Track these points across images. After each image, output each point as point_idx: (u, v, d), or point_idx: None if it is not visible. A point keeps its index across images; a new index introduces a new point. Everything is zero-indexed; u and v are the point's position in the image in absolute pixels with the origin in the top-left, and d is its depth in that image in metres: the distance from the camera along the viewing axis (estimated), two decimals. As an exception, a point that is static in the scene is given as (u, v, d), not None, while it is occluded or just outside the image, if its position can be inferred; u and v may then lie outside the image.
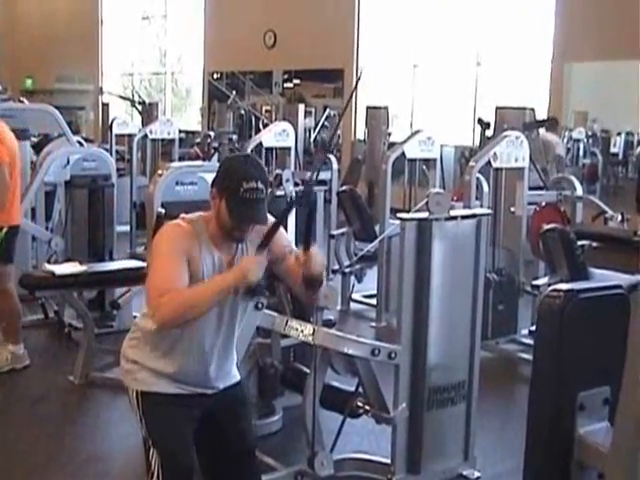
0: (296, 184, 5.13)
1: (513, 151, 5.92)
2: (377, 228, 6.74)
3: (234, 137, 11.30)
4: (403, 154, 6.69)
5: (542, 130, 8.90)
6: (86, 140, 10.22)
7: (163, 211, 4.31)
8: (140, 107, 13.28)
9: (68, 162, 6.66)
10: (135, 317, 5.83)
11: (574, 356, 1.97)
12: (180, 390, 2.72)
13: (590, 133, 10.81)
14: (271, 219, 2.70)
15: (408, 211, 4.21)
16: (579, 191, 6.64)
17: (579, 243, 5.42)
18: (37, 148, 7.76)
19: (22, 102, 11.52)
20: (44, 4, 20.01)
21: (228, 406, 2.81)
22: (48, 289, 5.35)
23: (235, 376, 2.87)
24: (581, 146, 10.68)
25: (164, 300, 2.50)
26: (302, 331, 3.52)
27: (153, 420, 2.70)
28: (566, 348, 1.97)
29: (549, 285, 5.32)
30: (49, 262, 6.09)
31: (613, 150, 10.77)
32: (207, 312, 2.58)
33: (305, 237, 2.70)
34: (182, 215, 2.71)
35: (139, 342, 2.76)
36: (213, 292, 2.55)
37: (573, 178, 6.91)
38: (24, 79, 19.11)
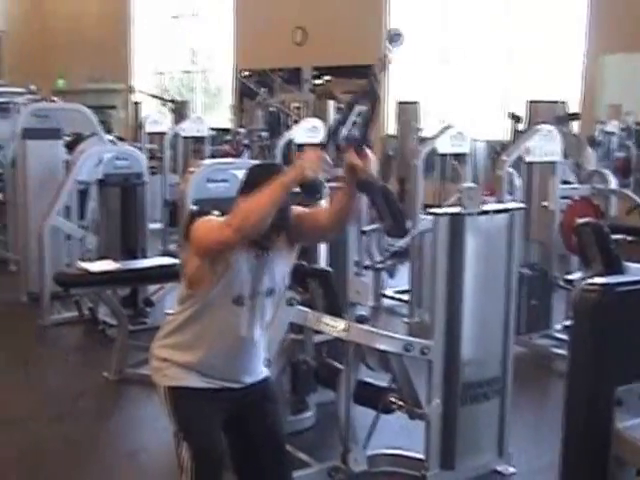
0: (328, 180, 5.11)
1: (545, 145, 5.87)
2: (409, 224, 6.71)
3: (264, 134, 11.31)
4: (434, 149, 6.67)
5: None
6: (118, 139, 10.28)
7: (195, 208, 4.33)
8: (171, 105, 13.34)
9: (101, 161, 6.71)
10: (168, 314, 5.91)
11: (611, 350, 1.95)
12: (208, 384, 2.74)
13: (624, 126, 10.68)
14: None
15: (440, 206, 4.20)
16: (613, 184, 6.57)
17: (613, 237, 5.36)
18: (70, 147, 7.82)
19: (55, 102, 11.62)
20: (74, 4, 20.16)
21: (256, 402, 2.82)
22: (82, 286, 5.39)
23: (263, 372, 2.88)
24: (615, 139, 10.55)
25: (229, 222, 2.51)
26: (335, 327, 3.52)
27: (183, 414, 2.73)
28: (603, 342, 1.95)
29: (583, 279, 5.28)
30: (83, 260, 6.14)
31: (647, 143, 10.64)
32: (273, 214, 2.50)
33: (360, 139, 2.62)
34: (214, 212, 2.72)
35: (167, 338, 2.80)
36: (275, 190, 2.48)
37: (607, 171, 6.84)
38: (56, 79, 19.24)
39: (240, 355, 2.74)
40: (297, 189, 2.55)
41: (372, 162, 2.57)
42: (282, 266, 2.75)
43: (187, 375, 2.73)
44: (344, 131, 2.66)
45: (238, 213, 2.51)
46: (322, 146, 2.55)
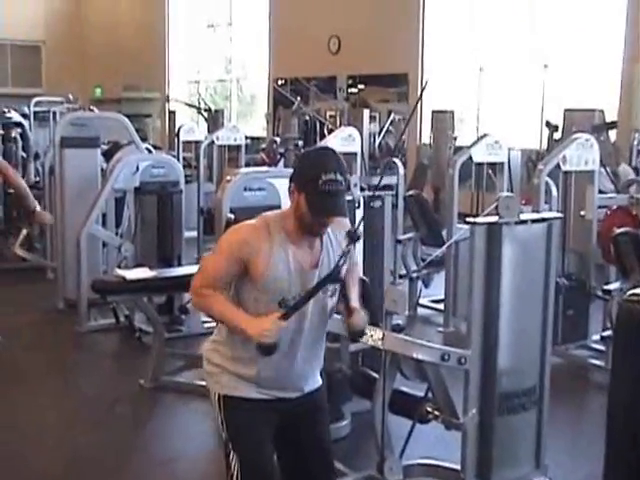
0: (362, 189, 5.13)
1: (583, 154, 5.83)
2: (444, 233, 6.69)
3: (300, 143, 11.34)
4: (470, 158, 6.63)
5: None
6: (154, 147, 10.37)
7: (232, 217, 4.35)
8: (206, 114, 13.42)
9: (137, 169, 6.77)
10: (203, 322, 5.94)
11: (654, 362, 1.93)
12: (261, 395, 2.70)
13: (662, 134, 10.55)
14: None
15: (475, 216, 4.17)
16: (651, 194, 6.50)
17: (652, 247, 5.31)
18: (107, 156, 7.90)
19: (92, 111, 11.76)
20: (111, 15, 20.39)
21: (307, 411, 2.79)
22: (119, 294, 5.43)
23: (318, 381, 2.85)
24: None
25: (202, 293, 2.66)
26: (371, 336, 3.51)
27: (234, 425, 2.70)
28: (645, 354, 1.92)
29: (621, 290, 5.24)
30: (119, 267, 6.19)
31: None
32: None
33: (345, 301, 2.79)
34: (263, 213, 2.70)
35: (220, 345, 2.75)
36: (234, 326, 2.63)
37: (645, 181, 6.78)
38: (93, 88, 19.48)
39: (293, 363, 2.69)
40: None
41: (360, 317, 2.80)
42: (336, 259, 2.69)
43: (241, 385, 2.69)
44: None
45: (205, 303, 2.67)
46: (284, 315, 2.57)
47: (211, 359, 2.76)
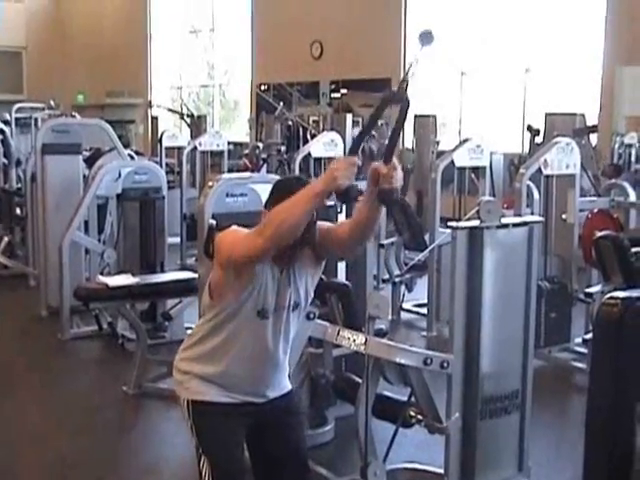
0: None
1: (564, 158, 5.86)
2: (427, 237, 6.71)
3: (282, 148, 11.34)
4: (452, 162, 6.65)
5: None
6: (136, 153, 10.34)
7: (214, 222, 4.34)
8: (189, 120, 13.41)
9: (120, 175, 6.75)
10: (187, 328, 5.93)
11: (632, 365, 1.94)
12: (230, 399, 2.72)
13: (643, 138, 10.62)
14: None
15: (458, 220, 4.20)
16: (632, 197, 6.54)
17: (633, 250, 5.33)
18: (89, 162, 7.87)
19: (74, 117, 11.71)
20: (93, 21, 20.34)
21: (279, 416, 2.81)
22: (102, 301, 5.41)
23: (286, 386, 2.86)
24: (633, 152, 10.50)
25: (260, 230, 2.47)
26: (354, 341, 3.52)
27: (204, 429, 2.72)
28: (624, 357, 1.93)
29: (603, 293, 5.26)
30: (102, 274, 6.17)
31: (666, 155, 10.57)
32: (305, 223, 2.48)
33: (388, 148, 2.54)
34: (234, 226, 2.71)
35: (189, 351, 2.78)
36: (308, 199, 2.44)
37: (626, 184, 6.81)
38: (75, 94, 19.41)
39: (263, 368, 2.73)
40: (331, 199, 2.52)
41: (398, 173, 2.48)
42: (307, 280, 2.73)
43: (208, 389, 2.72)
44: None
45: (270, 222, 2.46)
46: (352, 152, 2.49)
47: (180, 368, 2.80)
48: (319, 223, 2.67)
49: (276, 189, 2.68)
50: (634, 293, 2.00)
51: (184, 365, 2.79)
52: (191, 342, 2.79)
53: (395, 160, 2.49)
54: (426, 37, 2.56)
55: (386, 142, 2.55)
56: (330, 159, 7.60)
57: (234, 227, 2.68)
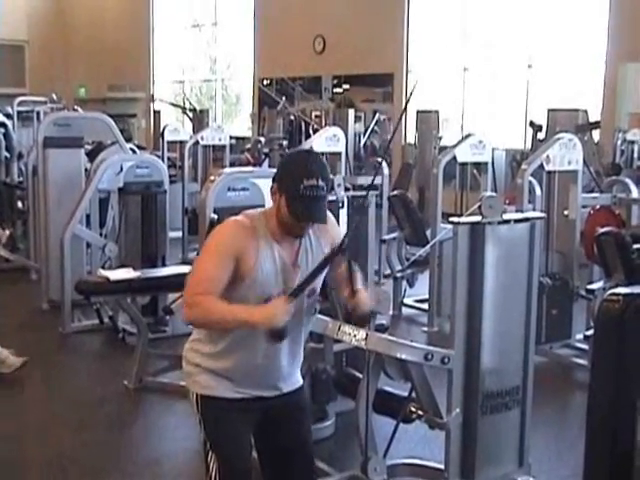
0: (347, 189, 5.14)
1: (566, 154, 5.84)
2: (428, 232, 6.71)
3: (284, 143, 11.34)
4: (454, 158, 6.65)
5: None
6: (138, 147, 10.34)
7: (215, 217, 4.34)
8: (191, 114, 13.41)
9: (121, 169, 6.75)
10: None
11: (634, 361, 1.93)
12: (239, 395, 2.70)
13: (645, 135, 10.62)
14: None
15: (460, 215, 4.18)
16: (634, 193, 6.53)
17: (634, 246, 5.33)
18: (91, 156, 7.87)
19: (76, 111, 11.71)
20: (95, 14, 20.33)
21: (288, 411, 2.79)
22: (103, 294, 5.41)
23: (298, 381, 2.84)
24: (636, 148, 10.50)
25: (197, 301, 2.55)
26: (355, 336, 3.51)
27: (212, 424, 2.70)
28: (625, 353, 1.93)
29: (604, 289, 5.26)
30: (103, 268, 6.17)
31: (669, 152, 10.57)
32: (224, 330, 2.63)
33: (349, 279, 2.68)
34: (245, 211, 2.69)
35: (199, 344, 2.74)
36: (238, 321, 2.55)
37: (628, 180, 6.80)
38: (77, 88, 19.41)
39: (275, 361, 2.69)
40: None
41: (364, 299, 2.70)
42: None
43: (218, 384, 2.69)
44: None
45: (201, 309, 2.55)
46: (294, 294, 2.56)
47: (190, 359, 2.77)
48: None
49: (286, 162, 2.67)
50: (636, 289, 2.00)
51: (194, 356, 2.74)
52: (200, 336, 2.75)
53: (359, 290, 2.69)
54: None
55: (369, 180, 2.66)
56: (333, 154, 7.61)
57: (232, 218, 2.66)
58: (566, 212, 6.03)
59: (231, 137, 10.48)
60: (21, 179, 9.28)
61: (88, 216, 6.78)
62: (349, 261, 2.70)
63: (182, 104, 15.37)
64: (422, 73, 13.53)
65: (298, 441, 2.81)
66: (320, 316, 3.73)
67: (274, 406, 2.75)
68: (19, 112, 12.28)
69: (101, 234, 6.93)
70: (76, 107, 13.12)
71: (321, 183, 2.54)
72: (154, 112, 17.70)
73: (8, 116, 11.34)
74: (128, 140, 9.89)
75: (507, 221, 3.69)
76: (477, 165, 7.11)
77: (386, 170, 7.86)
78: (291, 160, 2.68)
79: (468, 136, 6.90)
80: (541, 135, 8.70)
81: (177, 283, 5.53)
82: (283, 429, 2.79)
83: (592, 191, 7.04)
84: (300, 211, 2.54)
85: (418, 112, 11.81)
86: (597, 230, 5.50)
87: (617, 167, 9.58)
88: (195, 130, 11.73)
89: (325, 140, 7.60)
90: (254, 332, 2.60)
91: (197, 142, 9.66)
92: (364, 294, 2.70)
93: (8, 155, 9.66)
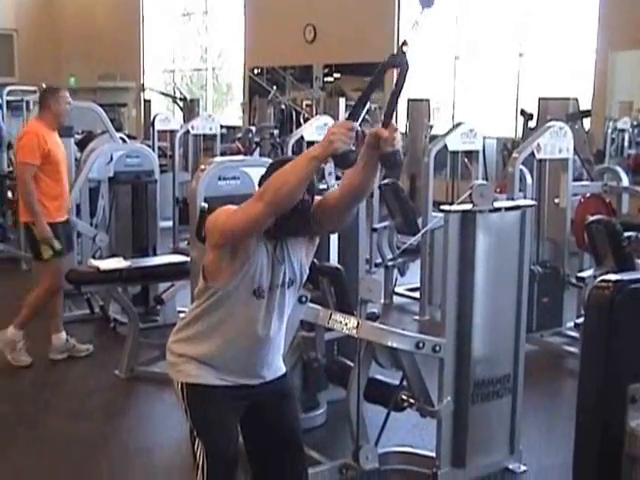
0: (337, 177, 5.13)
1: (557, 142, 5.85)
2: (419, 221, 6.71)
3: (275, 132, 11.32)
4: (445, 146, 6.64)
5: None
6: (129, 137, 10.30)
7: (206, 206, 4.32)
8: (181, 103, 13.37)
9: (112, 159, 6.72)
10: (179, 312, 5.93)
11: (624, 348, 1.93)
12: (224, 382, 2.71)
13: (635, 123, 10.64)
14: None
15: (451, 204, 4.19)
16: (625, 182, 6.55)
17: (625, 234, 5.34)
18: (81, 145, 7.84)
19: (66, 100, 11.62)
20: (85, 3, 20.22)
21: (273, 398, 2.80)
22: (93, 284, 5.41)
23: (281, 368, 2.85)
24: (626, 136, 10.52)
25: (263, 193, 2.45)
26: (346, 324, 3.52)
27: (198, 412, 2.71)
28: (615, 339, 1.93)
29: (595, 277, 5.27)
30: (94, 258, 6.15)
31: (659, 140, 10.60)
32: (304, 188, 2.45)
33: (388, 112, 2.48)
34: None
35: (181, 332, 2.76)
36: (306, 164, 2.40)
37: (618, 168, 6.82)
38: (68, 78, 19.31)
39: (258, 349, 2.70)
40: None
41: (399, 135, 2.45)
42: (302, 256, 2.71)
43: (203, 372, 2.70)
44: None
45: (269, 187, 2.44)
46: (350, 117, 2.44)
47: (173, 350, 2.78)
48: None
49: (272, 169, 2.63)
50: (626, 276, 2.00)
51: (178, 347, 2.77)
52: (184, 323, 2.77)
53: (394, 123, 2.46)
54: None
55: (384, 107, 2.52)
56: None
57: (222, 207, 2.65)
58: (557, 200, 6.04)
59: (222, 126, 10.46)
60: (11, 169, 9.23)
61: (78, 206, 6.74)
62: (393, 92, 2.50)
63: (173, 93, 15.32)
64: (413, 61, 13.50)
65: (285, 428, 2.81)
66: (311, 305, 3.73)
67: (259, 394, 2.76)
68: (8, 101, 12.20)
69: (91, 224, 6.89)
70: (66, 96, 13.04)
71: (306, 196, 2.54)
72: (144, 101, 17.63)
73: (-3, 106, 11.28)
74: (118, 129, 9.87)
75: (498, 209, 3.70)
76: (468, 154, 7.10)
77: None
78: (278, 167, 2.57)
79: (459, 125, 6.90)
80: (532, 123, 8.70)
81: (168, 273, 5.59)
82: (269, 417, 2.79)
83: (581, 179, 7.06)
84: (282, 222, 2.54)
85: (409, 100, 11.79)
86: (587, 218, 5.52)
87: (600, 154, 9.65)
88: (186, 119, 11.70)
89: (316, 129, 7.59)
90: (232, 313, 2.62)
91: (188, 131, 9.64)
92: (398, 132, 2.46)
93: (-3, 145, 9.61)
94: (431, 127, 11.27)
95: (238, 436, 2.76)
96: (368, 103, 2.51)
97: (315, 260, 3.05)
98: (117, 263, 5.35)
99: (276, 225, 2.56)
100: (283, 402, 2.83)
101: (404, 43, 2.45)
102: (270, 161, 3.02)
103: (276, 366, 2.82)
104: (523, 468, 3.93)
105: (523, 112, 9.19)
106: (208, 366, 2.70)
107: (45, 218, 5.28)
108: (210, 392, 2.71)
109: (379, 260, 7.31)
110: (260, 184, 2.62)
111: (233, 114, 17.34)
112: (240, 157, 7.99)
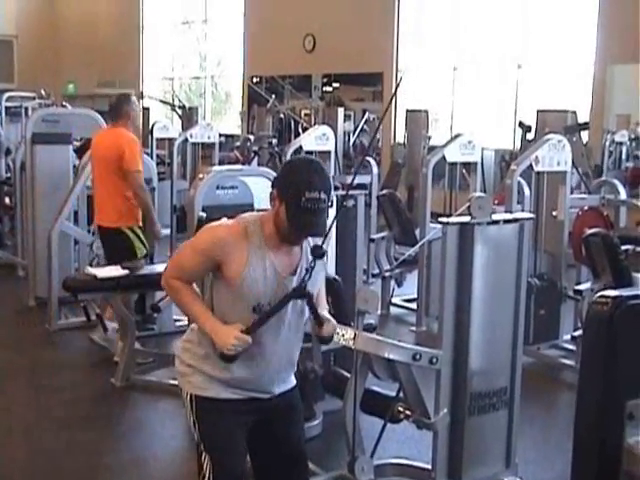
0: (336, 188, 5.13)
1: (555, 155, 5.86)
2: (417, 232, 6.71)
3: (274, 141, 11.33)
4: (443, 158, 6.64)
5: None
6: (127, 144, 10.27)
7: (204, 215, 4.32)
8: (180, 111, 13.37)
9: (110, 166, 6.70)
10: (175, 320, 5.92)
11: (623, 364, 1.93)
12: (234, 395, 2.68)
13: (633, 136, 10.67)
14: None
15: (449, 215, 4.19)
16: (622, 195, 6.56)
17: (622, 248, 5.34)
18: (79, 152, 7.82)
19: (65, 107, 11.65)
20: (85, 10, 20.25)
21: (282, 411, 2.78)
22: (90, 292, 5.39)
23: (292, 381, 2.84)
24: (624, 149, 10.54)
25: (173, 284, 2.70)
26: (343, 335, 3.51)
27: (206, 425, 2.68)
28: (614, 355, 1.93)
29: (592, 290, 5.27)
30: (91, 265, 6.14)
31: (657, 153, 10.63)
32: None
33: (314, 317, 2.75)
34: (241, 215, 2.68)
35: (194, 345, 2.73)
36: (198, 323, 2.67)
37: (616, 181, 6.83)
38: (66, 84, 19.33)
39: (269, 365, 2.68)
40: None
41: (329, 327, 2.82)
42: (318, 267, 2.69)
43: (211, 385, 2.68)
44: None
45: (174, 293, 2.72)
46: (248, 330, 2.58)
47: (183, 359, 2.75)
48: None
49: (289, 170, 2.63)
50: (625, 292, 2.00)
51: (188, 357, 2.73)
52: (194, 337, 2.74)
53: (324, 318, 2.79)
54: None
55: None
56: (322, 153, 7.59)
57: (223, 220, 2.67)
58: (555, 213, 6.04)
59: (220, 135, 10.45)
60: (9, 175, 9.23)
61: (76, 213, 6.74)
62: (310, 299, 2.72)
63: (171, 101, 15.32)
64: (411, 72, 13.53)
65: (291, 440, 2.81)
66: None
67: (268, 407, 2.74)
68: (7, 108, 12.22)
69: (89, 231, 6.89)
70: (65, 103, 13.05)
71: (323, 196, 2.51)
72: (143, 109, 17.59)
73: (-4, 112, 11.30)
74: (117, 137, 9.81)
75: (496, 221, 3.69)
76: (466, 165, 7.11)
77: (375, 169, 7.85)
78: (294, 169, 2.61)
79: (457, 136, 6.90)
80: (530, 136, 8.71)
81: (165, 281, 5.57)
82: (276, 429, 2.78)
83: (575, 192, 7.07)
84: (300, 223, 2.52)
85: (407, 111, 11.82)
86: (585, 231, 5.52)
87: (598, 169, 9.68)
88: (184, 127, 11.69)
89: (314, 139, 7.60)
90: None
91: (186, 139, 9.63)
92: (329, 323, 2.81)
93: (-4, 151, 9.61)
94: (429, 138, 11.30)
95: (246, 452, 2.75)
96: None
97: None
98: (114, 271, 5.34)
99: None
100: (291, 414, 2.83)
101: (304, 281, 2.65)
102: (268, 171, 3.03)
103: (288, 379, 2.82)
104: (519, 481, 3.92)
105: (521, 124, 9.20)
106: (218, 381, 2.68)
107: (135, 222, 5.66)
108: (219, 406, 2.68)
109: (376, 271, 7.31)
110: (273, 185, 2.61)
111: (232, 122, 17.35)
112: (238, 166, 8.00)
